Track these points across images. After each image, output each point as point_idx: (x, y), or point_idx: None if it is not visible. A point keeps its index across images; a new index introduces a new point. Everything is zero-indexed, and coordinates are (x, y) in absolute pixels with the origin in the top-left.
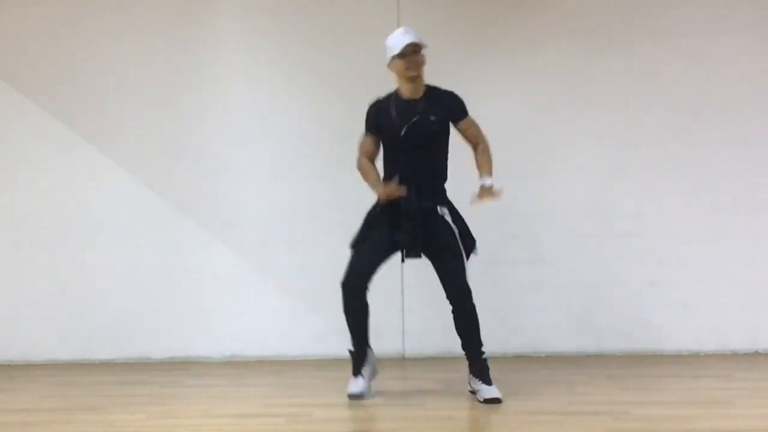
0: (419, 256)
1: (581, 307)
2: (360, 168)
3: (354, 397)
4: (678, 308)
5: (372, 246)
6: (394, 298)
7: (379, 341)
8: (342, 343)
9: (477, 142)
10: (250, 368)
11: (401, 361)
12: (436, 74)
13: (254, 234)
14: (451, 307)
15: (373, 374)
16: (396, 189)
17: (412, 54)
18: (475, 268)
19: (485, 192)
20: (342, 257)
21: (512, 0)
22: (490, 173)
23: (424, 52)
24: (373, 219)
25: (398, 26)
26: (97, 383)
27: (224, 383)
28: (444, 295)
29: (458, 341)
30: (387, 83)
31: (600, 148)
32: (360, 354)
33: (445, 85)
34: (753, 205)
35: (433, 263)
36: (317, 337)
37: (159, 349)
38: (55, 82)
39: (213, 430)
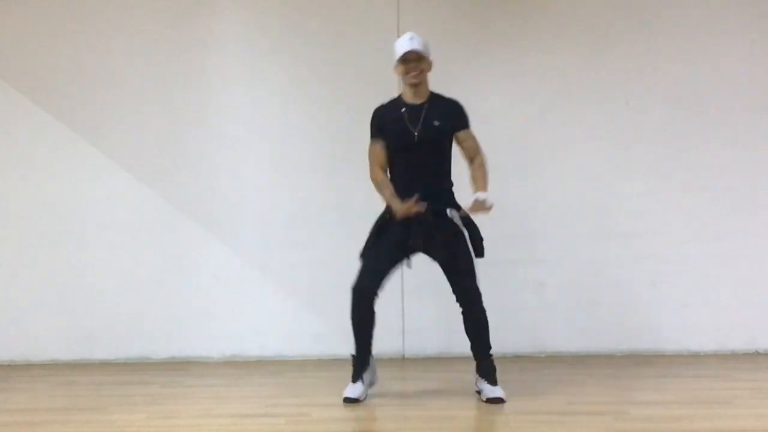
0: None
1: (581, 307)
2: (375, 181)
3: (350, 401)
4: (678, 308)
5: (384, 252)
6: (394, 298)
7: (379, 341)
8: (342, 343)
9: (473, 155)
10: (250, 368)
11: (401, 361)
12: (435, 74)
13: (254, 234)
14: (460, 309)
15: (372, 382)
16: (413, 206)
17: (413, 61)
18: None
19: (478, 205)
20: (342, 257)
21: (512, 0)
22: (485, 188)
23: (431, 59)
24: (384, 225)
25: (398, 26)
26: (97, 383)
27: (224, 383)
28: (444, 295)
29: (458, 341)
30: (387, 83)
31: (600, 148)
32: (362, 360)
33: (444, 84)
34: (753, 205)
35: (442, 266)
36: (317, 337)
37: (159, 349)
38: (55, 82)
39: (213, 430)
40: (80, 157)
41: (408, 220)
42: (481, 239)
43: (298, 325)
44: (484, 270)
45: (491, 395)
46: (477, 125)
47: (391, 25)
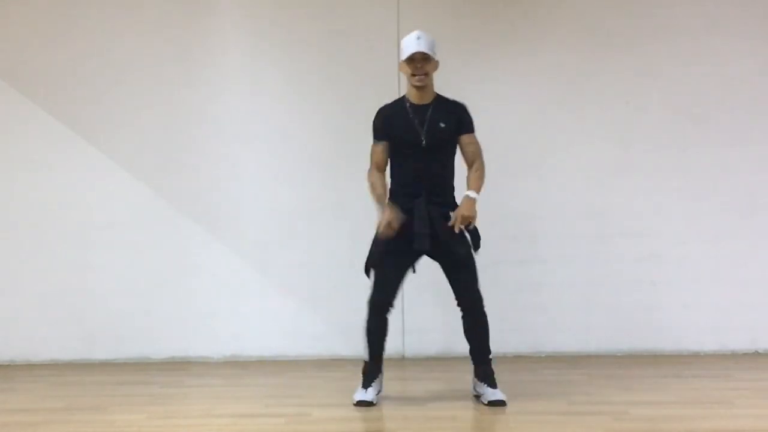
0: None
1: (581, 307)
2: (371, 182)
3: (364, 403)
4: (678, 308)
5: (394, 261)
6: None
7: None
8: (342, 343)
9: (474, 159)
10: (250, 368)
11: (401, 361)
12: (435, 74)
13: (254, 234)
14: (461, 312)
15: (380, 391)
16: (397, 218)
17: (419, 61)
18: None
19: (467, 203)
20: (342, 257)
21: (512, 0)
22: (477, 190)
23: (437, 59)
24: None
25: (398, 27)
26: (97, 383)
27: (224, 383)
28: (444, 295)
29: (458, 341)
30: (387, 84)
31: (600, 148)
32: (376, 370)
33: (443, 84)
34: (753, 205)
35: (444, 269)
36: (317, 337)
37: (159, 349)
38: (55, 82)
39: (213, 430)
40: (80, 157)
41: (409, 226)
42: (479, 235)
43: (298, 325)
44: (484, 270)
45: (492, 398)
46: (476, 125)
47: (391, 25)
